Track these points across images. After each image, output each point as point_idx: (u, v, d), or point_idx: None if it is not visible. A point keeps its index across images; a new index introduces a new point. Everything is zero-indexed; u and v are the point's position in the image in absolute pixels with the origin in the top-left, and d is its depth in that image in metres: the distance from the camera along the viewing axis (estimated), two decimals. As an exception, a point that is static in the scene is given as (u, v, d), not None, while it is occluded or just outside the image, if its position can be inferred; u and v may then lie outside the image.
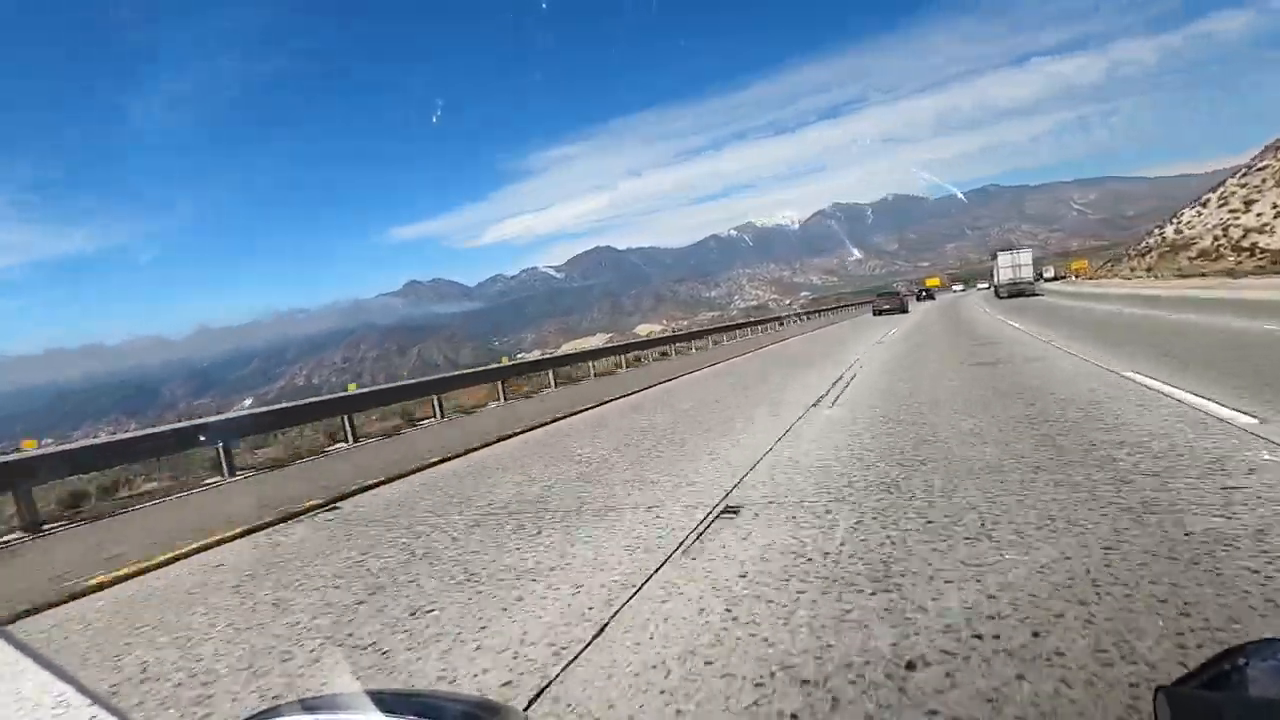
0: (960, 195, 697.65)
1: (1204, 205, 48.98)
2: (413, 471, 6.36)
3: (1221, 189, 47.47)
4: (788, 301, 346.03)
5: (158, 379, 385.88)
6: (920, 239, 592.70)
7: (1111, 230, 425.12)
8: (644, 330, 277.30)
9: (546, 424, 8.55)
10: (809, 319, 41.10)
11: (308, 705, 0.62)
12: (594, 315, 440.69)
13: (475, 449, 7.24)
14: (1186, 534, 2.52)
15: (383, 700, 0.60)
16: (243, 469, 8.13)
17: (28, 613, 3.68)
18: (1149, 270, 45.22)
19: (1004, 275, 38.86)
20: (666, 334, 32.30)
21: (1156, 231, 56.65)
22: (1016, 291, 37.41)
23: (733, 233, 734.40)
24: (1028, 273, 38.81)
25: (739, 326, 31.58)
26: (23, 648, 0.56)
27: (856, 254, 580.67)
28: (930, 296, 66.69)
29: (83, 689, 0.54)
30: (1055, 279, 61.31)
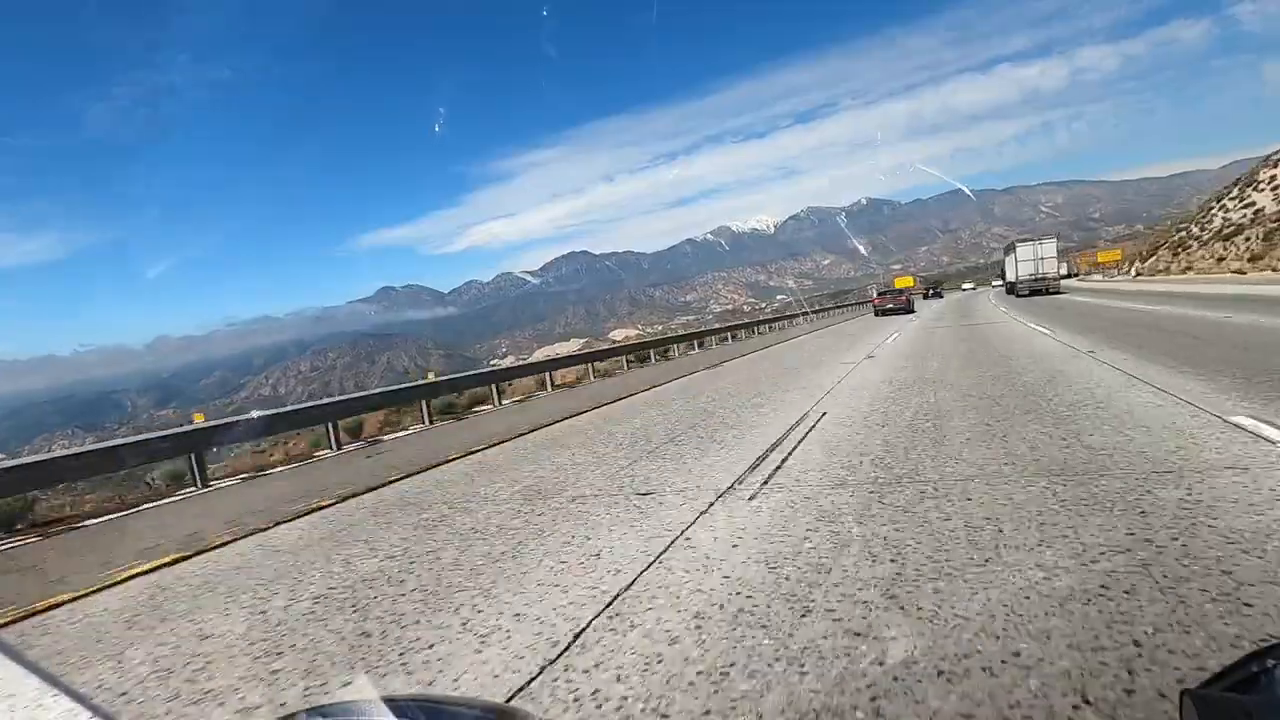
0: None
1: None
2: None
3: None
4: (762, 305, 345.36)
5: (116, 390, 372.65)
6: (892, 242, 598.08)
7: (1079, 231, 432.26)
8: (619, 335, 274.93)
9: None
10: (786, 327, 34.93)
11: (322, 712, 0.62)
12: (569, 320, 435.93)
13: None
14: None
15: (397, 706, 0.61)
16: None
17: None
18: (1253, 259, 32.16)
19: (1024, 269, 33.81)
20: (593, 350, 29.64)
21: (1233, 205, 41.69)
22: (1039, 289, 32.52)
23: (708, 237, 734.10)
24: (1052, 266, 33.46)
25: (686, 339, 24.97)
26: (12, 653, 0.54)
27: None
28: (939, 295, 63.47)
29: (77, 697, 0.52)
30: (1068, 276, 52.80)
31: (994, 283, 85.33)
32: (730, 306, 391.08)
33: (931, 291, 67.08)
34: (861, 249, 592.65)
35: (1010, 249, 37.05)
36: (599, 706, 1.99)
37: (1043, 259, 33.46)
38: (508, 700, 2.09)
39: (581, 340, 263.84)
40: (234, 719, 2.25)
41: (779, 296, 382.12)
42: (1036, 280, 33.05)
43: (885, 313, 31.01)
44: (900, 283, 63.40)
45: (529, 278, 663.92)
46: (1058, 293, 32.05)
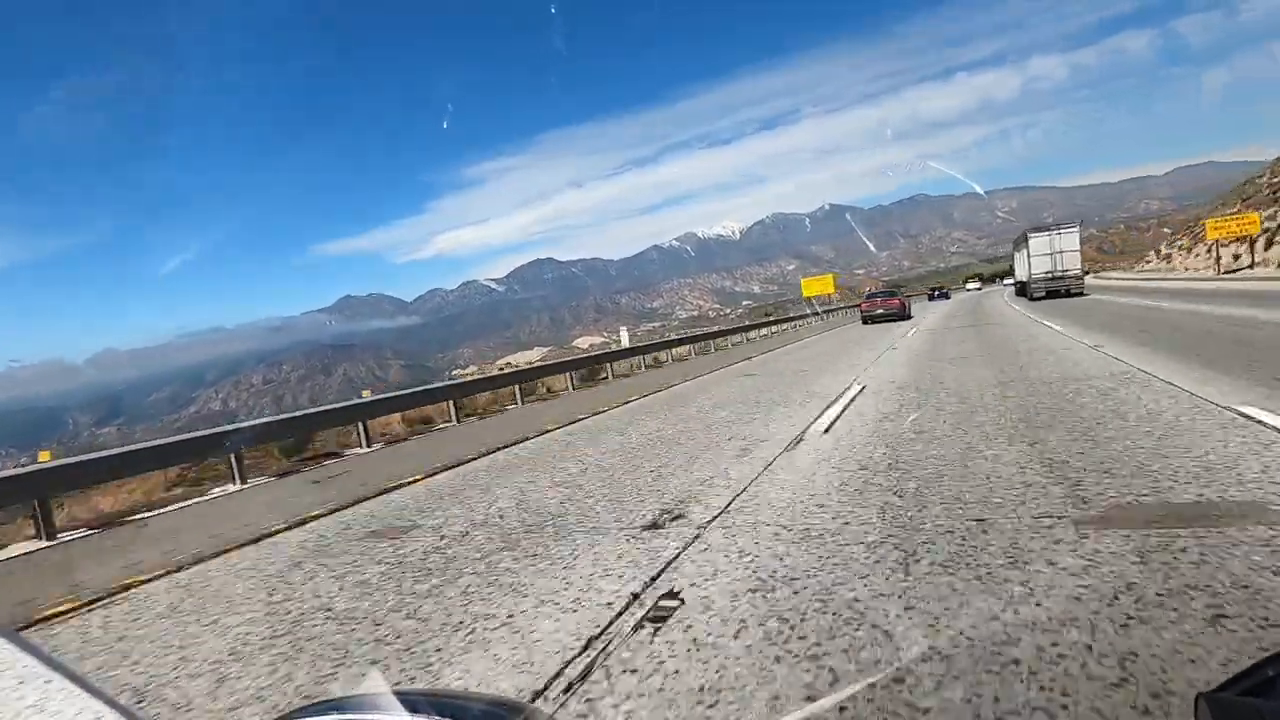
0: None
1: None
2: None
3: None
4: (727, 311, 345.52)
5: (58, 407, 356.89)
6: (855, 247, 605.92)
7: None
8: (584, 343, 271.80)
9: None
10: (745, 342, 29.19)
11: (334, 705, 0.64)
12: (533, 328, 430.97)
13: None
14: None
15: (407, 699, 0.61)
16: None
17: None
18: None
19: (1038, 266, 28.25)
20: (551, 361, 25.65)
21: None
22: (1056, 289, 27.75)
23: (674, 243, 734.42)
24: (1073, 261, 28.11)
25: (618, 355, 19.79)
26: (34, 651, 0.56)
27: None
28: (945, 295, 57.72)
29: (97, 693, 0.53)
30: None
31: (1004, 281, 75.80)
32: (696, 313, 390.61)
33: (937, 293, 61.46)
34: (825, 254, 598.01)
35: (1021, 241, 31.43)
36: None
37: (1062, 253, 28.01)
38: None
39: (546, 349, 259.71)
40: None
41: (745, 302, 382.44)
42: (1054, 279, 27.96)
43: (875, 319, 25.41)
44: (811, 289, 48.68)
45: (494, 285, 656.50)
46: (1080, 294, 27.11)
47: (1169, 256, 47.90)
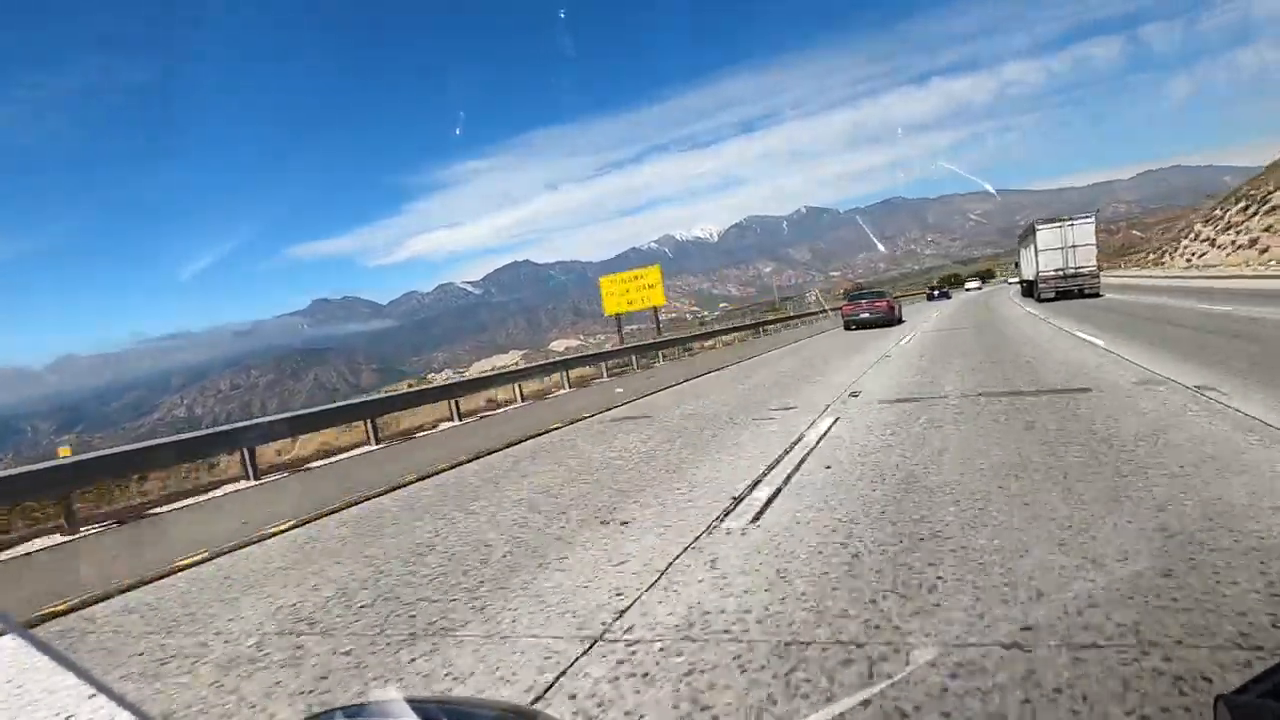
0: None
1: None
2: None
3: None
4: (704, 314, 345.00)
5: (17, 414, 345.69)
6: (830, 249, 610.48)
7: (1008, 239, 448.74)
8: (559, 346, 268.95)
9: None
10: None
11: (347, 713, 0.64)
12: (510, 331, 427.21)
13: None
14: None
15: (420, 707, 0.62)
16: None
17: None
18: None
19: (1047, 262, 25.00)
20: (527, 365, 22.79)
21: None
22: (1068, 289, 24.65)
23: (653, 245, 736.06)
24: (1088, 257, 24.48)
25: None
26: (48, 649, 0.56)
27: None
28: (945, 295, 54.16)
29: (106, 690, 0.53)
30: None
31: (1009, 279, 69.73)
32: (674, 315, 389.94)
33: (937, 292, 57.00)
34: (802, 256, 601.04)
35: (1028, 234, 28.19)
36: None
37: (1075, 247, 24.74)
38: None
39: (521, 352, 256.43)
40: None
41: (721, 305, 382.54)
42: (1065, 277, 24.88)
43: (860, 324, 22.03)
44: (613, 300, 28.30)
45: (470, 288, 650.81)
46: (1096, 294, 23.90)
47: (1241, 244, 37.05)
